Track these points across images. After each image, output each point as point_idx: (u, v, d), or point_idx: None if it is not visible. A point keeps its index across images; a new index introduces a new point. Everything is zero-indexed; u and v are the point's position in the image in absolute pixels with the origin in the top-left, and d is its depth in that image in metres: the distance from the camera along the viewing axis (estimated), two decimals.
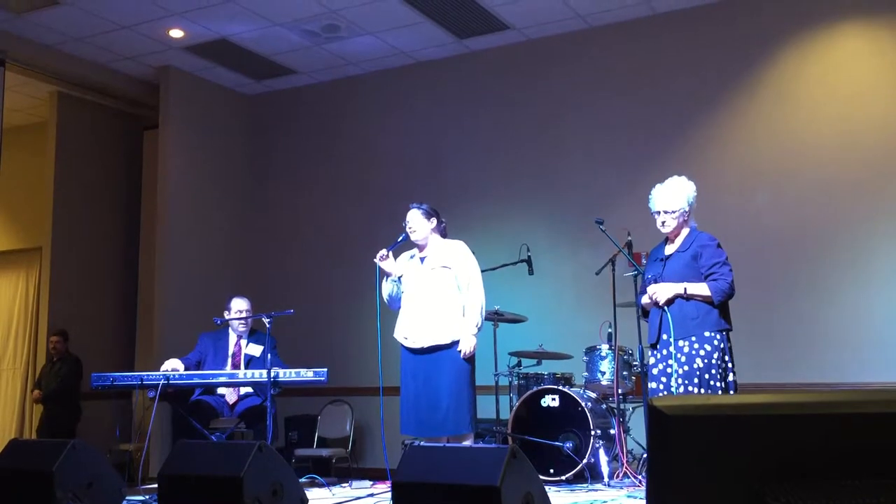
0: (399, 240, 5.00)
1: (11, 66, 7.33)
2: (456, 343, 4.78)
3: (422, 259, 4.99)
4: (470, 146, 7.51)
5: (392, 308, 5.11)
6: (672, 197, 4.37)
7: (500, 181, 7.31)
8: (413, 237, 4.97)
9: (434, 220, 4.99)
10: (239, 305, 5.88)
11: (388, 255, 4.95)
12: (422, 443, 4.67)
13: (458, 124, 7.60)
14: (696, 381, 4.10)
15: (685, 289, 4.21)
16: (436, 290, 4.86)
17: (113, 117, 8.69)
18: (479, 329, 4.86)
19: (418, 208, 5.00)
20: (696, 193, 4.43)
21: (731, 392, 4.12)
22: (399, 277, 5.01)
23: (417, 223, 4.95)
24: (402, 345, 4.96)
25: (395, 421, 5.06)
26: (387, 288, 5.05)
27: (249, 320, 5.85)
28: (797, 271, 6.18)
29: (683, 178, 4.44)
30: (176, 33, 7.18)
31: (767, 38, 6.48)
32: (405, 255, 5.12)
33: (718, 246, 4.29)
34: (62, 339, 7.84)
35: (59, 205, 8.24)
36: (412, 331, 4.88)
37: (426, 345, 4.82)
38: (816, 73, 6.34)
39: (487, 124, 7.47)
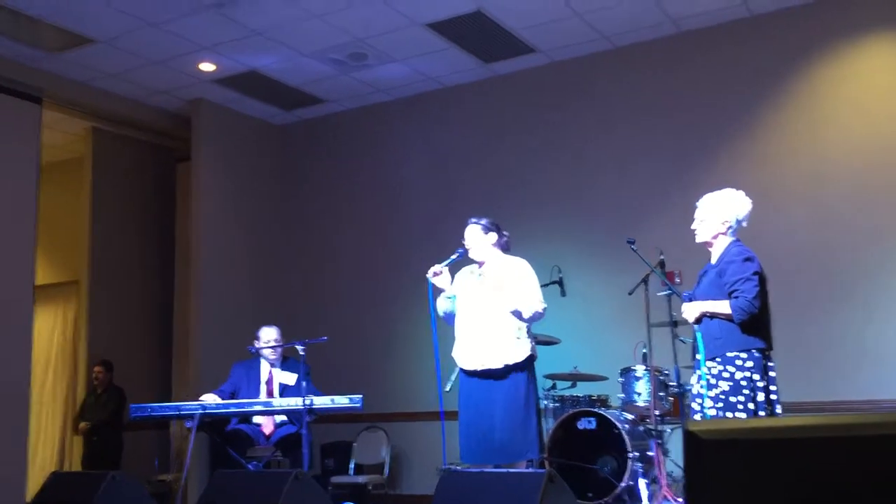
0: (454, 256, 4.82)
1: (48, 104, 7.47)
2: (509, 367, 4.61)
3: (479, 275, 4.82)
4: (499, 169, 7.51)
5: (450, 324, 4.93)
6: (708, 204, 4.25)
7: (530, 203, 7.30)
8: (471, 254, 4.80)
9: (494, 235, 4.80)
10: (268, 335, 5.91)
11: (441, 272, 4.76)
12: (458, 468, 4.59)
13: (486, 148, 7.62)
14: (720, 404, 3.99)
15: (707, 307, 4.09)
16: (489, 313, 4.69)
17: (146, 151, 8.83)
18: (520, 315, 4.64)
19: (477, 223, 4.81)
20: (745, 212, 4.23)
21: (763, 412, 3.96)
22: (454, 296, 4.83)
23: (475, 239, 4.78)
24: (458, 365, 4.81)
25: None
26: (442, 305, 4.87)
27: (280, 348, 5.88)
28: (833, 288, 6.09)
29: (733, 192, 4.25)
30: (206, 67, 7.29)
31: (797, 54, 6.43)
32: (465, 270, 4.93)
33: (746, 260, 4.06)
34: (105, 370, 7.86)
35: (96, 238, 8.37)
36: (464, 352, 4.74)
37: (477, 368, 4.66)
38: (847, 88, 6.27)
39: (516, 147, 7.47)
